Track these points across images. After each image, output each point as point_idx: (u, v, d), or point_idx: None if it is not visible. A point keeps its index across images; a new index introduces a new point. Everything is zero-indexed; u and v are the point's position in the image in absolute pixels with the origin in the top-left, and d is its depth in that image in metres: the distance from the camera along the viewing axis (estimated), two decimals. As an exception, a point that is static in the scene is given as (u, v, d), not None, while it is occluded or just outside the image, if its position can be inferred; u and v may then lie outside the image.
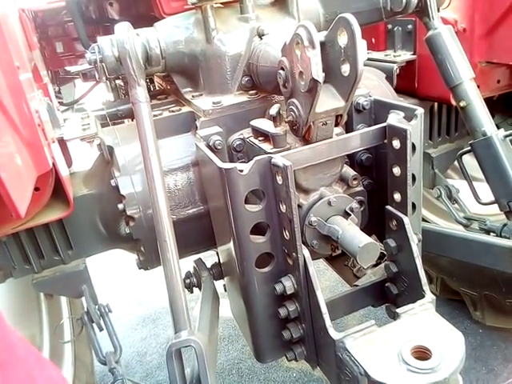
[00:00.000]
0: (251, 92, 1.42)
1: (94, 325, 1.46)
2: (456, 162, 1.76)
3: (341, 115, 1.15)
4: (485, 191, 1.55)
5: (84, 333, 1.71)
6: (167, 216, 1.11)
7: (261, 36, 1.41)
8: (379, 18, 1.49)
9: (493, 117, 1.56)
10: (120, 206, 1.45)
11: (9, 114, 1.03)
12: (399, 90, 1.92)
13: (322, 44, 1.04)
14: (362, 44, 0.98)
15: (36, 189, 1.17)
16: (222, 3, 1.46)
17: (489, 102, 1.81)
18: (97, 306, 1.49)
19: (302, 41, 0.98)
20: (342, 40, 1.02)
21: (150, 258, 1.52)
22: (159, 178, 1.13)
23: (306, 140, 1.18)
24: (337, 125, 1.19)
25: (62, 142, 1.51)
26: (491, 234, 1.62)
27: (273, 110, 1.21)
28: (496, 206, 1.50)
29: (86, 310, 1.49)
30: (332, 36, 1.04)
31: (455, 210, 1.83)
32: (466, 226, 1.76)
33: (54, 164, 1.21)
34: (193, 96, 1.51)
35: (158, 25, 1.49)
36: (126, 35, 1.17)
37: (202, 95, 1.51)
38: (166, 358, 0.98)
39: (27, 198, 1.00)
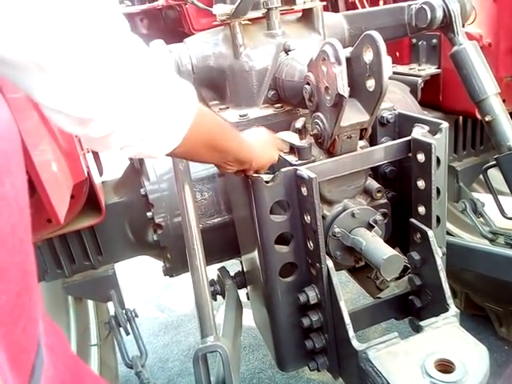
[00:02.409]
0: (277, 105, 1.46)
1: (120, 329, 1.51)
2: (481, 176, 1.75)
3: (365, 129, 1.17)
4: (511, 205, 1.54)
5: (109, 337, 1.76)
6: (196, 224, 1.15)
7: (287, 51, 1.45)
8: (404, 34, 1.51)
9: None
10: (149, 214, 1.51)
11: (49, 125, 1.09)
12: (424, 104, 1.93)
13: (348, 59, 1.07)
14: (387, 60, 1.01)
15: (71, 196, 1.23)
16: (249, 20, 1.51)
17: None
18: (124, 311, 1.53)
19: (329, 57, 1.01)
20: (368, 56, 1.04)
21: (176, 265, 1.57)
22: (188, 188, 1.18)
23: (330, 153, 1.21)
24: (361, 138, 1.21)
25: (95, 152, 1.58)
26: (518, 248, 1.60)
27: (298, 124, 1.24)
28: (522, 220, 1.49)
29: (113, 314, 1.54)
30: (357, 52, 1.07)
31: (480, 223, 1.82)
32: (491, 241, 1.74)
33: (88, 173, 1.27)
34: (220, 109, 1.56)
35: (189, 41, 1.55)
36: (160, 53, 1.22)
37: (228, 108, 1.55)
38: (193, 362, 1.01)
39: (65, 204, 1.06)
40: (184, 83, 0.80)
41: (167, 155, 0.80)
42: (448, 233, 2.15)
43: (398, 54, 2.08)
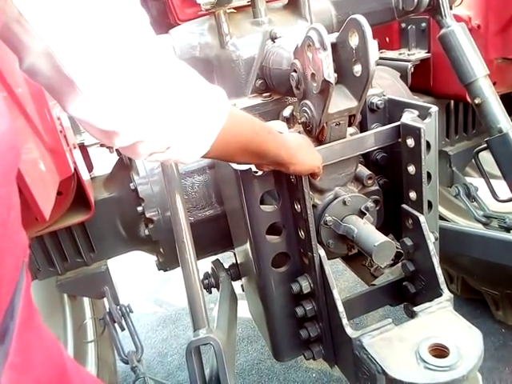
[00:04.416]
0: (265, 94, 1.44)
1: (115, 325, 1.50)
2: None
3: (354, 115, 1.16)
4: (503, 188, 1.53)
5: (106, 334, 1.75)
6: (185, 218, 1.14)
7: (273, 39, 1.43)
8: (391, 18, 1.49)
9: (510, 113, 1.55)
10: (139, 209, 1.49)
11: (32, 121, 1.07)
12: (415, 89, 1.91)
13: (334, 45, 1.05)
14: (373, 44, 0.99)
15: (59, 193, 1.22)
16: (234, 8, 1.48)
17: (506, 98, 1.79)
18: (118, 307, 1.53)
19: (313, 43, 0.99)
20: (354, 41, 1.03)
21: (169, 259, 1.56)
22: (177, 181, 1.16)
23: (319, 140, 1.19)
24: (350, 125, 1.19)
25: (83, 148, 1.56)
26: (511, 231, 1.60)
27: (286, 112, 1.23)
28: (515, 203, 1.48)
29: (107, 310, 1.53)
30: (343, 37, 1.05)
31: (474, 208, 1.81)
32: (485, 224, 1.73)
33: (75, 169, 1.26)
34: (208, 100, 1.54)
35: (174, 32, 1.53)
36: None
37: (216, 99, 1.53)
38: (186, 356, 1.00)
39: (51, 201, 1.04)
40: (214, 89, 0.78)
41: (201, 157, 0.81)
42: (442, 218, 2.16)
43: (387, 39, 2.06)
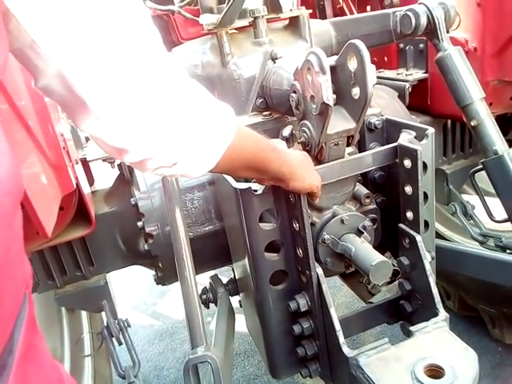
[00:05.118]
0: (265, 113, 1.47)
1: (113, 339, 1.50)
2: (470, 179, 1.76)
3: (352, 136, 1.18)
4: (499, 207, 1.55)
5: (103, 347, 1.75)
6: (185, 235, 1.15)
7: (274, 59, 1.46)
8: (389, 40, 1.53)
9: (507, 133, 1.57)
10: (139, 224, 1.51)
11: (34, 136, 1.08)
12: (412, 108, 1.94)
13: (333, 68, 1.08)
14: (371, 69, 1.02)
15: (60, 208, 1.23)
16: (236, 28, 1.52)
17: (502, 118, 1.82)
18: (116, 321, 1.53)
19: (313, 66, 1.02)
20: (352, 65, 1.05)
21: (168, 274, 1.56)
22: (177, 198, 1.18)
23: (318, 160, 1.21)
24: (348, 145, 1.21)
25: (85, 162, 1.57)
26: (507, 251, 1.61)
27: (286, 132, 1.25)
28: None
29: (105, 324, 1.53)
30: (342, 60, 1.08)
31: (470, 226, 1.83)
32: (481, 243, 1.75)
33: (77, 184, 1.27)
34: (209, 117, 1.56)
35: (177, 50, 1.56)
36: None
37: (217, 116, 1.56)
38: (184, 374, 1.01)
39: (53, 217, 1.05)
40: (223, 107, 0.80)
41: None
42: (439, 235, 2.17)
43: (386, 58, 2.09)
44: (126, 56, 0.61)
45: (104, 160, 1.48)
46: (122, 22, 0.61)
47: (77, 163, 1.37)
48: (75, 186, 1.23)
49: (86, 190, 1.42)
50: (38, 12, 0.52)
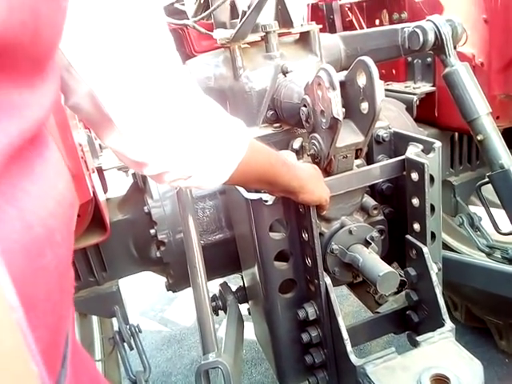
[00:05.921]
0: (275, 125, 1.51)
1: (125, 344, 1.53)
2: (478, 191, 1.78)
3: (361, 149, 1.22)
4: (506, 218, 1.57)
5: (112, 352, 1.78)
6: (197, 243, 1.18)
7: (285, 73, 1.50)
8: (398, 55, 1.56)
9: (513, 146, 1.58)
10: (152, 231, 1.55)
11: (58, 148, 1.13)
12: (420, 120, 1.97)
13: (343, 83, 1.12)
14: (379, 85, 1.05)
15: (77, 215, 1.27)
16: (248, 43, 1.56)
17: (509, 132, 1.84)
18: (128, 326, 1.56)
19: (323, 82, 1.06)
20: (361, 80, 1.09)
21: (179, 280, 1.60)
22: (191, 208, 1.22)
23: (327, 172, 1.25)
24: (357, 157, 1.25)
25: (100, 171, 1.62)
26: (514, 262, 1.63)
27: (296, 144, 1.29)
28: (517, 235, 1.52)
29: (117, 329, 1.57)
30: (351, 76, 1.12)
31: (477, 237, 1.84)
32: (488, 254, 1.76)
33: (93, 192, 1.32)
34: (220, 128, 1.60)
35: (190, 62, 1.61)
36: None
37: (229, 127, 1.60)
38: (195, 379, 1.04)
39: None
40: (236, 123, 0.84)
41: None
42: (447, 246, 2.19)
43: (394, 71, 2.13)
44: (152, 79, 0.66)
45: (119, 169, 1.53)
46: (149, 46, 0.65)
47: (93, 172, 1.41)
48: (92, 195, 1.27)
49: (102, 198, 1.47)
50: (76, 38, 0.56)
